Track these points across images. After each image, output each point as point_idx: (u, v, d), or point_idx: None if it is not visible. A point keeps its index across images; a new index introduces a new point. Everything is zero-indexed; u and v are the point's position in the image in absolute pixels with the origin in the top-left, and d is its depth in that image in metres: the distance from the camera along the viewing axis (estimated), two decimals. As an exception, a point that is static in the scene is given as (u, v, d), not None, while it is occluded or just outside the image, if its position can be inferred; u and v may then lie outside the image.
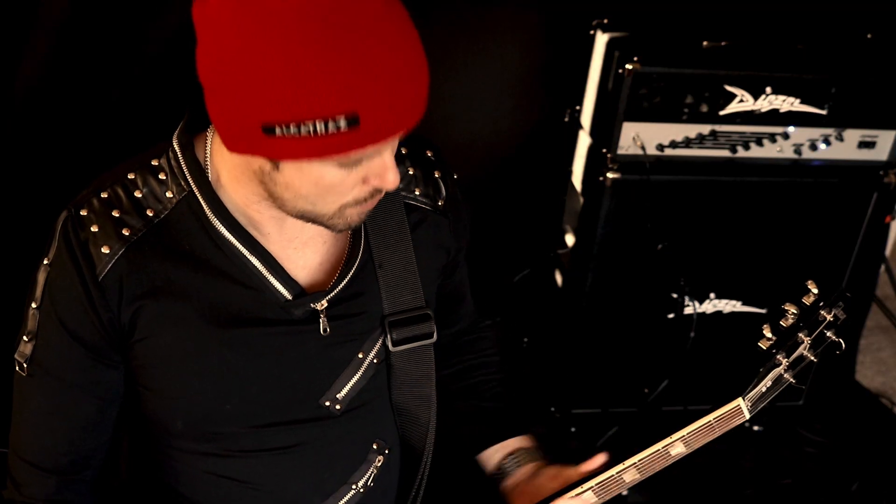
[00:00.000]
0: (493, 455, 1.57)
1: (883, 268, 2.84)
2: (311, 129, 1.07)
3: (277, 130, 1.08)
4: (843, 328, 1.43)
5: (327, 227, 1.25)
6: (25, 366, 1.31)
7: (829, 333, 1.42)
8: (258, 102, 1.07)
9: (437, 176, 1.44)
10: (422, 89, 1.12)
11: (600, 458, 1.45)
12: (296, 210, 1.22)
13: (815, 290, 1.44)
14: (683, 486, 2.55)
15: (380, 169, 1.18)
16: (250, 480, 1.38)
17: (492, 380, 1.63)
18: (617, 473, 1.42)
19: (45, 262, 1.29)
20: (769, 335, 1.43)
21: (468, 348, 1.66)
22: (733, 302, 2.67)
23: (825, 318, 1.42)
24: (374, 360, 1.40)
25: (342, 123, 1.07)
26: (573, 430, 2.76)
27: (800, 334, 1.41)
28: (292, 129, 1.07)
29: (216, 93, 1.13)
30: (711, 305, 2.66)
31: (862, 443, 2.86)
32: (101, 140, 2.33)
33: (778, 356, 1.41)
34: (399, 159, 1.41)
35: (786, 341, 1.42)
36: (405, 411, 1.49)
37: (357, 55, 1.05)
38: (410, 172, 1.42)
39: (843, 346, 1.43)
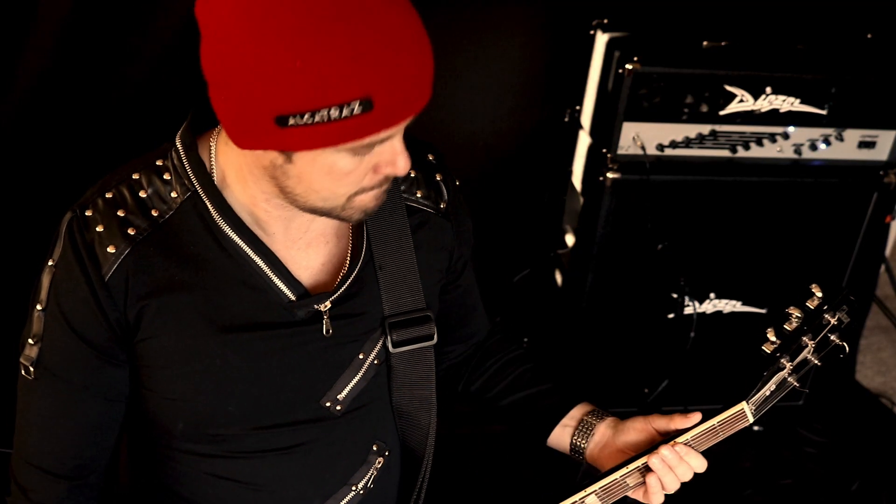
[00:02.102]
0: (562, 435, 1.54)
1: (883, 268, 2.84)
2: (326, 116, 1.07)
3: (291, 121, 1.08)
4: (847, 331, 1.43)
5: (342, 219, 1.25)
6: (32, 369, 1.31)
7: (832, 337, 1.42)
8: (270, 94, 1.07)
9: (438, 179, 1.44)
10: (428, 69, 1.13)
11: (695, 417, 1.42)
12: (307, 204, 1.22)
13: (819, 294, 1.43)
14: (683, 486, 2.54)
15: (390, 155, 1.18)
16: (251, 481, 1.39)
17: (527, 370, 1.61)
18: (621, 477, 1.41)
19: (50, 263, 1.28)
20: (773, 339, 1.42)
21: (488, 354, 1.65)
22: (733, 302, 2.67)
23: (829, 322, 1.42)
24: (375, 362, 1.40)
25: (356, 108, 1.07)
26: (573, 430, 2.75)
27: (804, 338, 1.41)
28: (306, 118, 1.07)
29: (223, 88, 1.12)
30: (711, 305, 2.65)
31: (862, 443, 2.86)
32: (102, 142, 2.33)
33: (782, 360, 1.41)
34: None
35: (790, 345, 1.41)
36: (405, 413, 1.49)
37: (367, 39, 1.05)
38: (412, 175, 1.42)
39: (847, 349, 1.43)
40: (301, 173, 1.18)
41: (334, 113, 1.07)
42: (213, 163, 1.29)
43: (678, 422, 1.42)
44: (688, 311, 2.61)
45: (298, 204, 1.23)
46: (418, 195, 1.42)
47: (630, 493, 1.43)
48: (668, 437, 1.42)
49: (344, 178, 1.18)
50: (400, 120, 1.13)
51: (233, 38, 1.07)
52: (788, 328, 1.42)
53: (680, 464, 1.39)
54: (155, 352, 1.30)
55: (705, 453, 1.43)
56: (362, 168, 1.18)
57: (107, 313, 1.27)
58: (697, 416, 1.42)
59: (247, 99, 1.09)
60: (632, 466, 1.41)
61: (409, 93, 1.11)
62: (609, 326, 2.65)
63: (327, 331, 1.34)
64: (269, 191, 1.25)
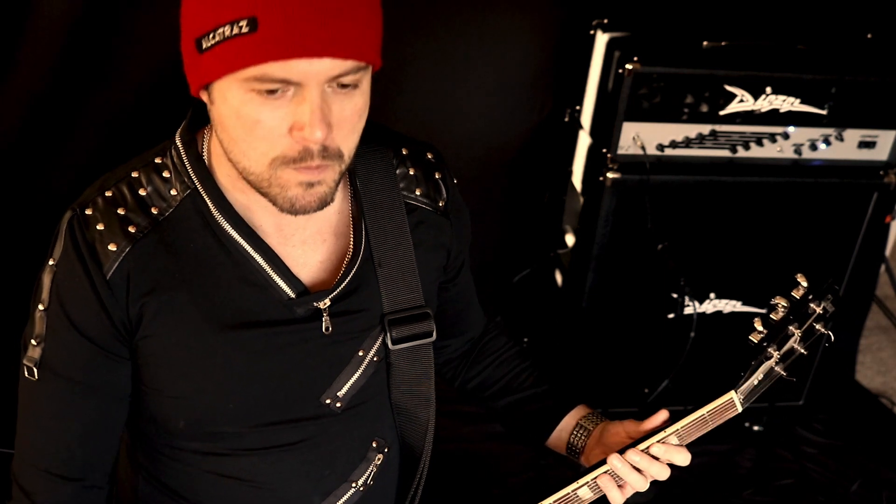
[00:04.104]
0: (559, 436, 1.56)
1: (883, 268, 2.85)
2: (222, 34, 1.10)
3: (204, 43, 1.12)
4: (833, 320, 1.44)
5: (273, 201, 1.21)
6: (36, 370, 1.30)
7: (818, 326, 1.43)
8: (190, 16, 1.14)
9: (437, 177, 1.45)
10: (339, 11, 1.10)
11: (662, 415, 1.44)
12: (240, 166, 1.21)
13: (805, 284, 1.45)
14: (683, 486, 2.55)
15: (303, 114, 1.13)
16: (251, 479, 1.39)
17: (522, 370, 1.63)
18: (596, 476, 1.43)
19: (51, 262, 1.28)
20: (760, 329, 1.44)
21: (485, 352, 1.67)
22: (733, 302, 2.67)
23: (815, 311, 1.43)
24: (374, 358, 1.40)
25: (244, 26, 1.08)
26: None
27: (790, 327, 1.42)
28: (210, 37, 1.11)
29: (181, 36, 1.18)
30: (711, 305, 2.66)
31: (862, 443, 2.86)
32: (101, 141, 2.33)
33: (769, 349, 1.42)
34: (400, 160, 1.42)
35: (776, 335, 1.43)
36: (404, 410, 1.50)
37: None
38: (411, 173, 1.42)
39: (833, 338, 1.44)
40: (221, 116, 1.18)
41: (227, 30, 1.09)
42: (204, 156, 1.30)
43: (648, 424, 1.45)
44: (688, 311, 2.61)
45: (238, 169, 1.21)
46: (417, 193, 1.42)
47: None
48: (654, 431, 1.43)
49: (255, 128, 1.15)
50: (288, 53, 1.09)
51: None
52: (775, 318, 1.43)
53: (650, 466, 1.40)
54: (156, 349, 1.30)
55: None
56: (274, 122, 1.14)
57: (109, 311, 1.27)
58: (664, 414, 1.45)
59: (183, 30, 1.16)
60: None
61: (300, 25, 1.08)
62: (609, 326, 2.65)
63: (327, 328, 1.34)
64: (230, 163, 1.24)
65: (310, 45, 1.09)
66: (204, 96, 1.21)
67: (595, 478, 1.42)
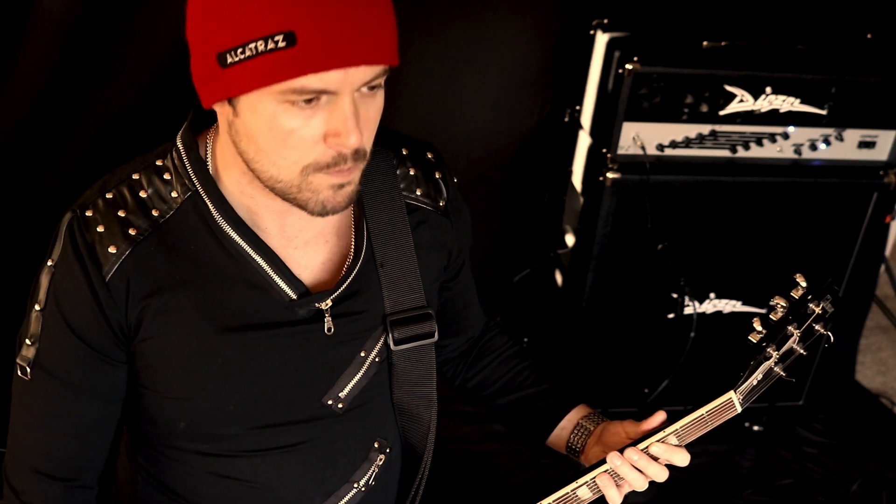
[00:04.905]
0: (560, 435, 1.57)
1: (883, 268, 2.85)
2: (254, 49, 1.09)
3: (229, 58, 1.11)
4: (832, 321, 1.43)
5: (303, 206, 1.21)
6: (28, 369, 1.30)
7: (817, 326, 1.43)
8: (212, 31, 1.12)
9: (437, 177, 1.45)
10: (368, 20, 1.11)
11: (660, 416, 1.44)
12: (266, 175, 1.20)
13: (804, 284, 1.44)
14: (683, 486, 2.55)
15: (338, 122, 1.14)
16: (252, 480, 1.39)
17: (523, 368, 1.63)
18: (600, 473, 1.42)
19: (49, 263, 1.28)
20: (759, 328, 1.43)
21: (485, 351, 1.67)
22: (733, 302, 2.67)
23: (814, 312, 1.43)
24: (376, 359, 1.40)
25: (280, 41, 1.08)
26: (573, 429, 2.76)
27: (789, 328, 1.42)
28: (239, 52, 1.10)
29: (190, 44, 1.17)
30: (711, 305, 2.66)
31: (862, 443, 2.86)
32: (102, 142, 2.33)
33: (768, 349, 1.42)
34: (400, 160, 1.42)
35: (776, 335, 1.42)
36: (406, 410, 1.50)
37: None
38: (411, 173, 1.42)
39: (832, 338, 1.44)
40: (248, 128, 1.17)
41: (261, 46, 1.09)
42: (208, 160, 1.29)
43: (646, 425, 1.45)
44: (688, 311, 2.61)
45: (262, 178, 1.21)
46: (418, 193, 1.42)
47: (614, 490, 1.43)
48: (653, 432, 1.43)
49: (288, 138, 1.15)
50: (327, 65, 1.10)
51: None
52: (774, 318, 1.43)
53: (649, 465, 1.40)
54: (156, 352, 1.30)
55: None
56: (308, 131, 1.15)
57: (107, 314, 1.26)
58: (661, 415, 1.44)
59: (199, 44, 1.15)
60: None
61: (337, 37, 1.09)
62: (609, 326, 2.65)
63: (329, 329, 1.34)
64: (244, 171, 1.24)
65: (348, 55, 1.10)
66: (220, 108, 1.21)
67: (594, 477, 1.42)
